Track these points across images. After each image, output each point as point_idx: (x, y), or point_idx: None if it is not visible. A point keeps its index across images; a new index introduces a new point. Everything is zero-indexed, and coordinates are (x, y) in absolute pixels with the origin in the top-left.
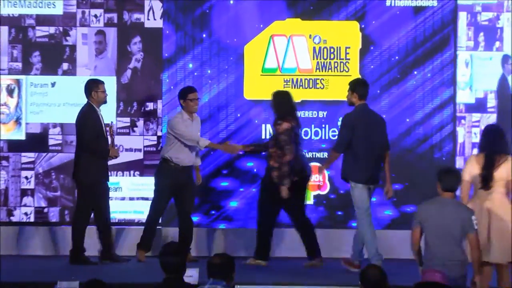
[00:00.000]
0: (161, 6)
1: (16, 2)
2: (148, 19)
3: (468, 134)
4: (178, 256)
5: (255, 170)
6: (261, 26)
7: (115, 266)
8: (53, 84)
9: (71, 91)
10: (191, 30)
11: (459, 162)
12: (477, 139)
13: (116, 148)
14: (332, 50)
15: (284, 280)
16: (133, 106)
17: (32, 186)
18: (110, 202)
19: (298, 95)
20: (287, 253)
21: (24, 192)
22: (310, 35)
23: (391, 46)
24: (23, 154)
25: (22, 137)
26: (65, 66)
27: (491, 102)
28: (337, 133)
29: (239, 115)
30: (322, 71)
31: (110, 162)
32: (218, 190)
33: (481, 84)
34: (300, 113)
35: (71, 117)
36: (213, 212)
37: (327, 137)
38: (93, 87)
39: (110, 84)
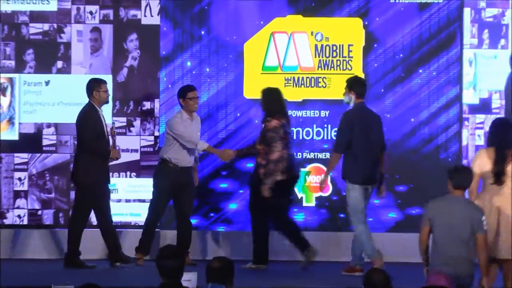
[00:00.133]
0: (158, 2)
1: None
2: (145, 16)
3: (472, 137)
4: (176, 259)
5: None
6: (262, 23)
7: (111, 270)
8: (47, 83)
9: (66, 90)
10: (189, 27)
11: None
12: (481, 141)
13: (117, 149)
14: (334, 48)
15: (285, 283)
16: (129, 105)
17: (25, 187)
18: None
19: (299, 94)
20: (288, 257)
21: (17, 194)
22: (311, 32)
23: (395, 43)
24: (16, 154)
25: (15, 137)
26: (59, 64)
27: (496, 102)
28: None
29: (238, 114)
30: (324, 70)
31: (110, 163)
32: (217, 192)
33: (486, 84)
34: (301, 113)
35: (65, 117)
36: (212, 214)
37: (329, 137)
38: (95, 86)
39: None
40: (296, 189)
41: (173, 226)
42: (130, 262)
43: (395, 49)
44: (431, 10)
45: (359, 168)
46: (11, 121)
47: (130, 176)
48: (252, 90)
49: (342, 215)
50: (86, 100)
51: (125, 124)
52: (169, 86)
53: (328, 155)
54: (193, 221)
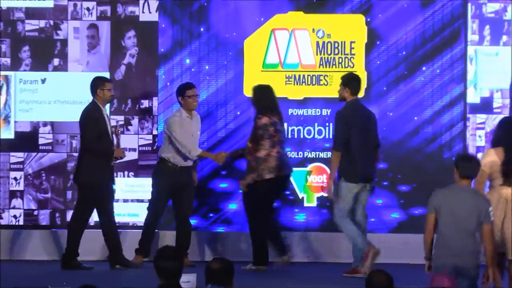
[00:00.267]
0: None
1: None
2: (143, 12)
3: (473, 137)
4: (174, 260)
5: None
6: (262, 19)
7: (110, 272)
8: (43, 81)
9: (62, 87)
10: (188, 23)
11: None
12: (482, 142)
13: (121, 149)
14: (336, 45)
15: (286, 285)
16: (127, 103)
17: (21, 187)
18: None
19: (300, 92)
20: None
21: (13, 194)
22: (313, 29)
23: (398, 40)
24: (12, 154)
25: (11, 136)
26: (56, 61)
27: (498, 101)
28: None
29: (238, 113)
30: (326, 67)
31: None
32: (216, 192)
33: (487, 82)
34: (302, 111)
35: (62, 115)
36: (211, 214)
37: (331, 136)
38: (99, 84)
39: None
40: (297, 189)
41: (172, 227)
42: (130, 266)
43: (398, 46)
44: (435, 6)
45: (356, 166)
46: (6, 119)
47: (128, 176)
48: None
49: None
50: (82, 98)
51: (122, 122)
52: (168, 84)
53: (329, 154)
54: (192, 221)
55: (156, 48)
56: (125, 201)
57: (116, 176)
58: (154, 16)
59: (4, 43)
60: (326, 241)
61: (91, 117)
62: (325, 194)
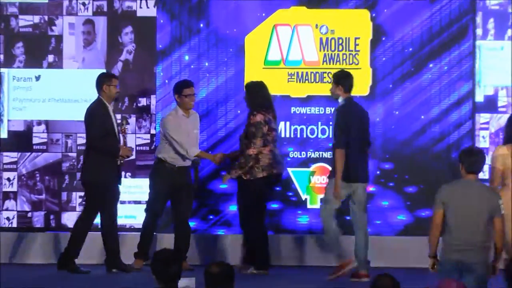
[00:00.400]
0: None
1: None
2: (140, 7)
3: (476, 138)
4: (173, 264)
5: None
6: (263, 15)
7: (107, 276)
8: (37, 78)
9: (57, 85)
10: (188, 19)
11: None
12: (486, 143)
13: (128, 147)
14: (340, 41)
15: None
16: (124, 101)
17: (14, 188)
18: None
19: (303, 90)
20: (291, 262)
21: (6, 195)
22: (316, 25)
23: (404, 36)
24: (5, 153)
25: (4, 135)
26: (50, 58)
27: (503, 100)
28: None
29: (239, 111)
30: (330, 64)
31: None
32: (216, 193)
33: (491, 79)
34: (305, 110)
35: (57, 114)
36: (211, 216)
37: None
38: (105, 80)
39: None
40: (300, 190)
41: (170, 229)
42: (128, 270)
43: (404, 43)
44: (442, 1)
45: (352, 165)
46: None
47: (125, 177)
48: None
49: (349, 218)
50: (78, 96)
51: (119, 121)
52: (166, 81)
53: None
54: (192, 223)
55: (154, 45)
56: (122, 202)
57: (125, 177)
58: (152, 11)
59: None
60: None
61: (96, 115)
62: None
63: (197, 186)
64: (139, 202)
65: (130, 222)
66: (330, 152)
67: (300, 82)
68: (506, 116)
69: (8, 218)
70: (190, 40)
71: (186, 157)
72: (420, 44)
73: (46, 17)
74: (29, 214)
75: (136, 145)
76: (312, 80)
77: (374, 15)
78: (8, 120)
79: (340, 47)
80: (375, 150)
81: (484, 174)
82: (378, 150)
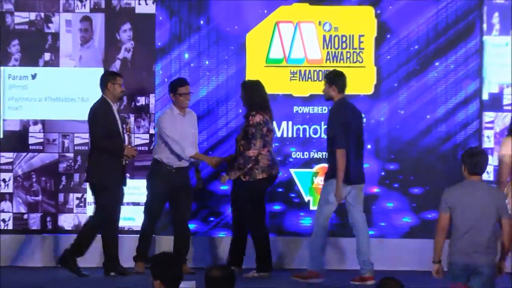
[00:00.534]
0: None
1: None
2: (139, 4)
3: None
4: (172, 268)
5: None
6: (265, 11)
7: (106, 279)
8: (33, 76)
9: (54, 84)
10: (187, 16)
11: None
12: (491, 143)
13: (133, 147)
14: (344, 39)
15: None
16: (122, 100)
17: (10, 189)
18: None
19: (306, 89)
20: (293, 265)
21: (1, 197)
22: (319, 22)
23: (410, 34)
24: (0, 154)
25: None
26: (47, 56)
27: (508, 98)
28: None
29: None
30: (333, 62)
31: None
32: (217, 194)
33: (495, 76)
34: (308, 109)
35: (53, 113)
36: (212, 218)
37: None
38: (110, 78)
39: (97, 77)
40: (302, 192)
41: (169, 232)
42: (126, 274)
43: (409, 40)
44: None
45: (351, 167)
46: None
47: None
48: None
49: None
50: (75, 95)
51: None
52: (165, 80)
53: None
54: (192, 226)
55: (153, 42)
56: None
57: (131, 178)
58: (151, 8)
59: None
60: (333, 247)
61: (100, 114)
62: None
63: (202, 186)
64: (137, 204)
65: (129, 224)
66: None
67: (302, 80)
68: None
69: (3, 220)
70: (190, 37)
71: (182, 157)
72: (426, 41)
73: (42, 14)
74: (25, 216)
75: (135, 145)
76: (315, 79)
77: (378, 12)
78: (4, 120)
79: (344, 45)
80: (379, 151)
81: (488, 176)
82: (383, 151)
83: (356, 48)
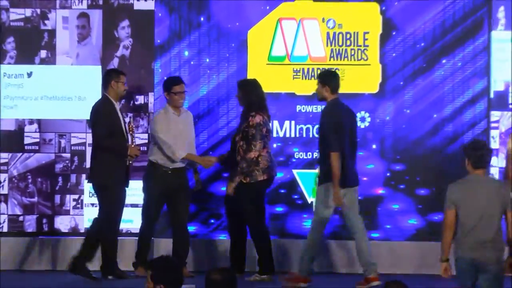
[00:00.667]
0: None
1: None
2: (138, 0)
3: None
4: (173, 271)
5: None
6: (267, 8)
7: (105, 282)
8: (29, 75)
9: (50, 82)
10: (187, 12)
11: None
12: (496, 144)
13: (136, 146)
14: (348, 36)
15: None
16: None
17: (5, 191)
18: (95, 210)
19: (309, 87)
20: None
21: None
22: (323, 19)
23: (416, 31)
24: None
25: None
26: (43, 54)
27: None
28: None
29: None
30: (337, 60)
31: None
32: (217, 196)
33: (501, 74)
34: (311, 108)
35: (49, 112)
36: (212, 221)
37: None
38: (113, 76)
39: (94, 75)
40: (305, 193)
41: (168, 234)
42: (124, 278)
43: (415, 37)
44: None
45: (344, 169)
46: None
47: None
48: None
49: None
50: (72, 93)
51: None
52: (165, 78)
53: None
54: (192, 228)
55: (152, 39)
56: None
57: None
58: (150, 4)
59: None
60: (337, 250)
61: (103, 112)
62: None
63: (201, 187)
64: (136, 206)
65: (127, 227)
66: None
67: (306, 79)
68: None
69: None
70: (190, 34)
71: (173, 159)
72: (433, 38)
73: (38, 11)
74: (21, 218)
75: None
76: None
77: (384, 8)
78: None
79: (348, 42)
80: (385, 151)
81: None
82: (388, 151)
83: (360, 46)
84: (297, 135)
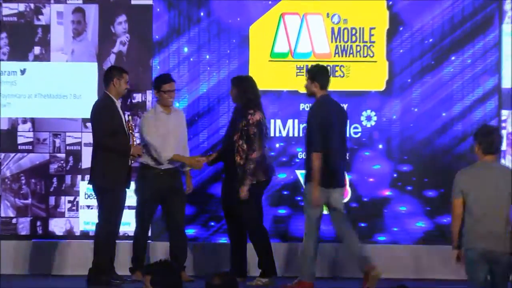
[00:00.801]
0: None
1: None
2: None
3: None
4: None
5: None
6: (270, 2)
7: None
8: (22, 72)
9: (44, 79)
10: (187, 7)
11: None
12: (503, 145)
13: (138, 145)
14: (353, 32)
15: None
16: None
17: None
18: (90, 212)
19: None
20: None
21: None
22: (327, 14)
23: (424, 26)
24: None
25: None
26: (37, 50)
27: None
28: (359, 129)
29: None
30: (342, 56)
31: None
32: (218, 198)
33: (509, 70)
34: None
35: (43, 111)
36: (212, 223)
37: (348, 134)
38: (116, 74)
39: (90, 72)
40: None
41: (165, 238)
42: (121, 281)
43: (423, 33)
44: None
45: (332, 169)
46: None
47: None
48: (259, 80)
49: (363, 224)
50: (67, 91)
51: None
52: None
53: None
54: (191, 231)
55: (150, 35)
56: None
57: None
58: None
59: None
60: (342, 253)
61: (105, 110)
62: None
63: (191, 190)
64: (133, 208)
65: (124, 229)
66: None
67: None
68: None
69: None
70: (189, 30)
71: (160, 161)
72: (441, 34)
73: (32, 5)
74: (14, 221)
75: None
76: None
77: (390, 2)
78: None
79: (354, 38)
80: (391, 151)
81: None
82: (395, 151)
83: (366, 42)
84: (301, 135)
